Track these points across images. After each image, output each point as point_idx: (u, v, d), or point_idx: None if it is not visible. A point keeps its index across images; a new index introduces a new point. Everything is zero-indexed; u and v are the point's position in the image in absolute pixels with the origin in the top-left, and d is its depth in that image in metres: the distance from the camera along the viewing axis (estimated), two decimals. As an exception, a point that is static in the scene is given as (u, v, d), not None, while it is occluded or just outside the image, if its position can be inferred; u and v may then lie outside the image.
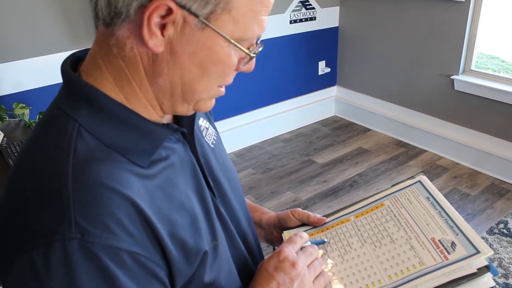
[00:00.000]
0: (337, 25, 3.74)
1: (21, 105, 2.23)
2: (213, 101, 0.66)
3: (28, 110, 2.24)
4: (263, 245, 0.93)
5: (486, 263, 0.67)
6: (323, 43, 3.72)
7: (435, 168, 3.12)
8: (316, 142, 3.56)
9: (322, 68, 3.79)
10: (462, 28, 2.90)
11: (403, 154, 3.33)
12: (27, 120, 2.21)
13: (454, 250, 0.69)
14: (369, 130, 3.73)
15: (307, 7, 3.49)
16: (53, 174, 0.53)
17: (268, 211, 0.99)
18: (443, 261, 0.69)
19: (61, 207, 0.51)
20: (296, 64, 3.62)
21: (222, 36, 0.56)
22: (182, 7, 0.53)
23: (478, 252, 0.67)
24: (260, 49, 0.63)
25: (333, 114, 4.03)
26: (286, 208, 2.74)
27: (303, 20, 3.50)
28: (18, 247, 0.52)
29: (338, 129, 3.78)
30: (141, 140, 0.60)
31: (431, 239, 0.73)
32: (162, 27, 0.54)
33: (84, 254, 0.50)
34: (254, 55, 0.62)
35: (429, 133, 3.31)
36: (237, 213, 0.79)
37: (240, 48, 0.59)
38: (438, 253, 0.70)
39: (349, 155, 3.36)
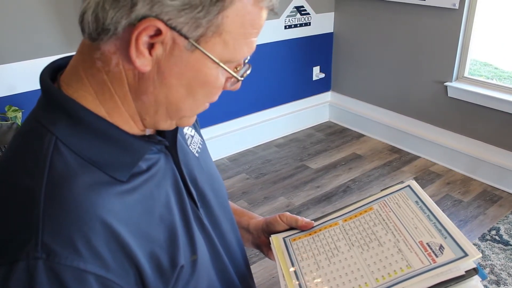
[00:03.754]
0: (332, 31, 3.75)
1: (13, 108, 2.22)
2: (195, 116, 0.66)
3: (20, 113, 2.22)
4: (251, 251, 0.92)
5: (474, 265, 0.67)
6: (318, 48, 3.73)
7: (428, 174, 3.13)
8: (310, 148, 3.57)
9: (317, 73, 3.80)
10: (455, 35, 2.92)
11: (396, 160, 3.34)
12: (19, 123, 2.20)
13: (442, 253, 0.70)
14: (363, 135, 3.74)
15: (302, 12, 3.50)
16: (25, 190, 0.52)
17: (256, 216, 0.98)
18: (430, 264, 0.69)
19: (30, 225, 0.50)
20: (291, 69, 3.63)
21: (211, 58, 0.55)
22: (172, 28, 0.52)
23: (466, 255, 0.67)
24: (248, 71, 0.62)
25: (327, 120, 4.04)
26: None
27: (298, 25, 3.51)
28: None
29: (332, 134, 3.79)
30: (121, 153, 0.58)
31: (419, 242, 0.73)
32: (150, 46, 0.53)
33: (47, 275, 0.48)
34: (242, 78, 0.61)
35: (422, 139, 3.32)
36: (221, 224, 0.78)
37: (228, 71, 0.58)
38: (426, 256, 0.70)
39: (342, 160, 3.36)
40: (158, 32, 0.52)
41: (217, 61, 0.56)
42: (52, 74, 0.61)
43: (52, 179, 0.52)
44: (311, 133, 3.81)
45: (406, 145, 3.46)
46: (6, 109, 2.21)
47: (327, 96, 3.98)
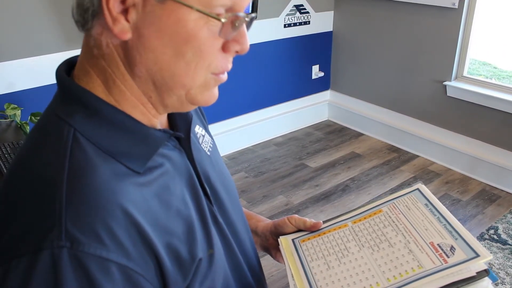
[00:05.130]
0: (331, 30, 3.75)
1: (12, 105, 2.21)
2: (213, 92, 0.61)
3: (19, 111, 2.22)
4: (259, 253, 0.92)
5: (485, 267, 0.67)
6: (317, 47, 3.73)
7: (427, 174, 3.13)
8: (309, 146, 3.57)
9: (316, 72, 3.80)
10: (455, 34, 2.92)
11: (395, 159, 3.34)
12: (18, 121, 2.19)
13: (453, 254, 0.69)
14: (362, 134, 3.74)
15: (302, 11, 3.49)
16: (48, 180, 0.52)
17: (264, 219, 0.98)
18: (442, 264, 0.68)
19: (53, 214, 0.50)
20: (290, 68, 3.62)
21: (185, 5, 0.52)
22: None
23: (477, 255, 0.67)
24: (247, 19, 0.56)
25: (326, 118, 4.04)
26: (278, 212, 2.74)
27: (297, 24, 3.51)
28: (7, 252, 0.51)
29: (331, 133, 3.79)
30: (137, 144, 0.59)
31: (429, 243, 0.73)
32: (126, 13, 0.53)
33: (72, 263, 0.48)
34: (224, 20, 0.54)
35: (421, 138, 3.32)
36: (235, 221, 0.78)
37: (207, 14, 0.53)
38: (437, 257, 0.70)
39: (341, 159, 3.37)
40: None
41: (189, 5, 0.52)
42: (67, 70, 0.62)
43: (73, 169, 0.52)
44: (310, 132, 3.81)
45: (405, 144, 3.46)
46: (5, 107, 2.21)
47: (326, 95, 3.98)
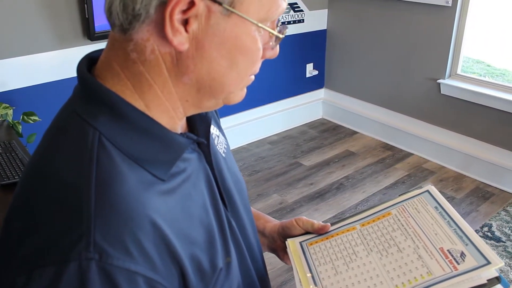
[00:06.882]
0: (325, 28, 3.75)
1: (4, 105, 2.19)
2: (245, 90, 0.63)
3: (11, 110, 2.20)
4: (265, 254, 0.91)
5: (496, 274, 0.65)
6: (311, 45, 3.72)
7: (421, 171, 3.14)
8: (303, 145, 3.56)
9: (310, 70, 3.80)
10: (448, 33, 2.92)
11: (389, 157, 3.35)
12: (10, 121, 2.17)
13: (463, 260, 0.67)
14: (356, 133, 3.74)
15: (296, 9, 3.49)
16: (74, 187, 0.50)
17: (272, 219, 0.96)
18: (452, 271, 0.67)
19: (81, 224, 0.48)
20: (284, 66, 3.62)
21: (249, 20, 0.54)
22: None
23: (488, 263, 0.65)
24: (286, 30, 0.61)
25: (321, 117, 4.04)
26: (273, 211, 2.74)
27: (291, 22, 3.50)
28: (29, 261, 0.48)
29: (326, 131, 3.79)
30: (162, 150, 0.57)
31: (439, 249, 0.71)
32: (185, 23, 0.52)
33: (100, 276, 0.47)
34: (282, 35, 0.59)
35: (415, 136, 3.33)
36: (246, 226, 0.76)
37: (267, 30, 0.56)
38: (447, 263, 0.68)
39: (336, 157, 3.37)
40: (190, 5, 0.51)
41: (255, 22, 0.54)
42: (88, 66, 0.59)
43: (100, 177, 0.50)
44: (305, 130, 3.81)
45: (399, 142, 3.47)
46: (-4, 106, 2.19)
47: (321, 93, 3.98)
